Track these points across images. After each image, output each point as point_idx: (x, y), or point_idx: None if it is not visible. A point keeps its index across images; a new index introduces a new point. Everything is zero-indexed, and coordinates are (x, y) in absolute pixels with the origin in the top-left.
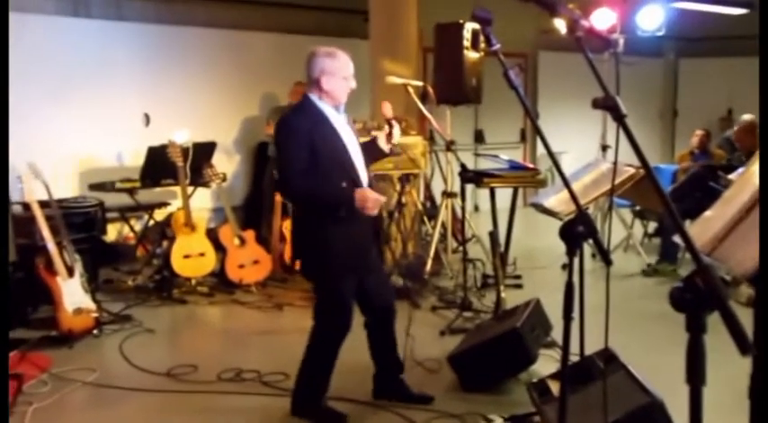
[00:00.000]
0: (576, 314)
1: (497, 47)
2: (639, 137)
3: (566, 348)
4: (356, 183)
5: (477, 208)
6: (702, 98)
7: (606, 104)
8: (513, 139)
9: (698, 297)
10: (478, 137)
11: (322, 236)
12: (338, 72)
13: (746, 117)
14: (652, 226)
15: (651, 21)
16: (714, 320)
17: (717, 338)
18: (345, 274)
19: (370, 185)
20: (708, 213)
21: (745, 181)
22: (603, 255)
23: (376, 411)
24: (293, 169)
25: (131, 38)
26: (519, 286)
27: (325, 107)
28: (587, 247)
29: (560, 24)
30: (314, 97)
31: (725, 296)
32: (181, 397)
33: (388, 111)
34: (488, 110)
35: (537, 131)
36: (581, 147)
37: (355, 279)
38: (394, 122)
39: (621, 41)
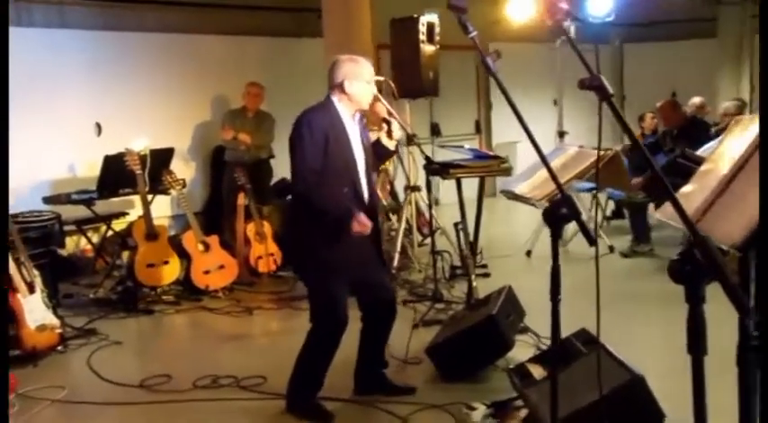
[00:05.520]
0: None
1: (474, 34)
2: (590, 122)
3: (555, 329)
4: (356, 187)
5: (437, 201)
6: (647, 82)
7: (592, 84)
8: (468, 131)
9: (696, 268)
10: (434, 130)
11: (315, 235)
12: (361, 76)
13: (695, 100)
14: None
15: (601, 7)
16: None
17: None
18: (337, 273)
19: (371, 191)
20: (686, 189)
21: (719, 155)
22: (587, 236)
23: (360, 408)
24: (305, 167)
25: (77, 45)
26: (486, 275)
27: (343, 111)
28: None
29: (511, 14)
30: (335, 99)
31: (723, 265)
32: (158, 407)
33: (383, 110)
34: (443, 103)
35: (521, 125)
36: (535, 134)
37: (349, 277)
38: (390, 119)
39: (573, 29)
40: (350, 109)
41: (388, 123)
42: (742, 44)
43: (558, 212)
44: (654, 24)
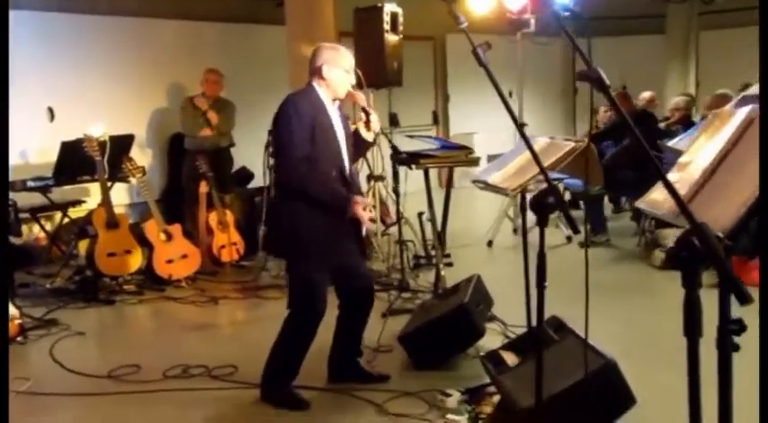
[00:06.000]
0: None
1: (465, 24)
2: (544, 113)
3: (540, 313)
4: (342, 172)
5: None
6: None
7: (590, 77)
8: (426, 122)
9: (693, 254)
10: (393, 120)
11: (299, 222)
12: (339, 64)
13: (645, 94)
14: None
15: None
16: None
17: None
18: (318, 261)
19: (352, 178)
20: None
21: (699, 146)
22: (572, 225)
23: (335, 396)
24: (295, 155)
25: (29, 27)
26: (450, 264)
27: (325, 97)
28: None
29: (473, 6)
30: (315, 84)
31: (721, 252)
32: (129, 397)
33: (362, 99)
34: (401, 93)
35: (508, 110)
36: (490, 127)
37: (329, 265)
38: (370, 110)
39: (533, 22)
40: (329, 95)
41: (367, 114)
42: (688, 40)
43: (545, 201)
44: (605, 19)
